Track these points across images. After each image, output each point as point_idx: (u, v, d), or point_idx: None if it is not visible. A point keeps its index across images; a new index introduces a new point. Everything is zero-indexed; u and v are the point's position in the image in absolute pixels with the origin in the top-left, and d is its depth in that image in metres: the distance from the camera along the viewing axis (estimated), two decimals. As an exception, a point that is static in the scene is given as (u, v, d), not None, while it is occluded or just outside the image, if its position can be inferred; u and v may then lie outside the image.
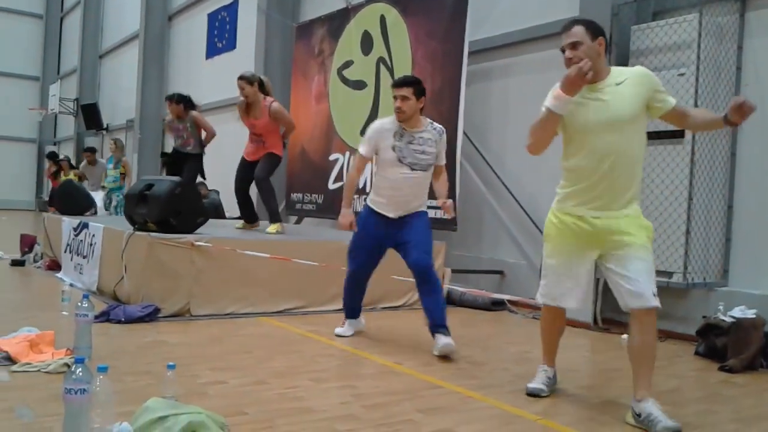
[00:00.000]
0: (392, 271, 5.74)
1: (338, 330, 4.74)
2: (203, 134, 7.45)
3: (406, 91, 4.21)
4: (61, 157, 15.25)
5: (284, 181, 9.66)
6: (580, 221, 3.17)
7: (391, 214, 4.39)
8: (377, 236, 4.45)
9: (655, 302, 3.00)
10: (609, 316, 5.59)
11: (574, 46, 3.07)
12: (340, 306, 5.75)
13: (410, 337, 4.83)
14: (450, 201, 4.32)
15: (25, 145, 26.12)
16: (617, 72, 3.13)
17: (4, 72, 25.58)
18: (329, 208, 8.61)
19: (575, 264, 3.21)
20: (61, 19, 26.73)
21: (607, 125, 3.04)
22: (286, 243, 5.72)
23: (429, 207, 6.81)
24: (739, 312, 4.58)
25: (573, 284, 3.23)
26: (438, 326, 4.22)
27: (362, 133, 8.06)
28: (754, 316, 4.52)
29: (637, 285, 2.99)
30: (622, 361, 4.41)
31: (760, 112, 5.06)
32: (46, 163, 15.14)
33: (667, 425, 2.87)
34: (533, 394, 3.38)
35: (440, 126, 4.44)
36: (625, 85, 3.04)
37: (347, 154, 8.38)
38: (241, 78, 6.23)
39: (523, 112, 6.93)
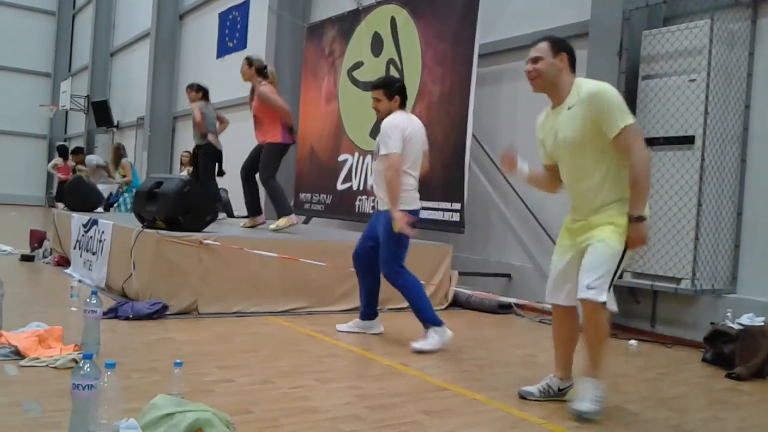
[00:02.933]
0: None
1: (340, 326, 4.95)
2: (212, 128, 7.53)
3: (377, 94, 4.56)
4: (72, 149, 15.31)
5: (293, 180, 9.69)
6: (571, 223, 3.32)
7: (378, 204, 4.75)
8: (369, 224, 4.82)
9: (584, 294, 3.02)
10: (616, 321, 5.58)
11: (535, 60, 3.25)
12: (347, 306, 5.80)
13: (416, 338, 4.83)
14: (397, 216, 4.37)
15: (35, 141, 26.23)
16: (575, 91, 3.16)
17: (16, 68, 25.71)
18: (337, 208, 8.62)
19: (565, 263, 3.30)
20: (73, 17, 26.85)
21: (563, 147, 3.21)
22: (293, 243, 5.74)
23: (437, 209, 6.85)
24: (747, 319, 4.56)
25: (561, 282, 3.31)
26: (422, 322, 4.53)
27: (371, 134, 8.17)
28: (762, 323, 4.50)
29: (580, 278, 3.07)
30: (627, 366, 4.41)
31: (770, 119, 5.07)
32: (58, 158, 15.12)
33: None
34: (521, 395, 3.40)
35: (390, 117, 4.52)
36: (573, 110, 3.14)
37: (356, 154, 8.39)
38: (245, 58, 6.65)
39: (532, 115, 6.91)
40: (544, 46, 3.25)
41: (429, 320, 4.42)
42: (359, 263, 4.80)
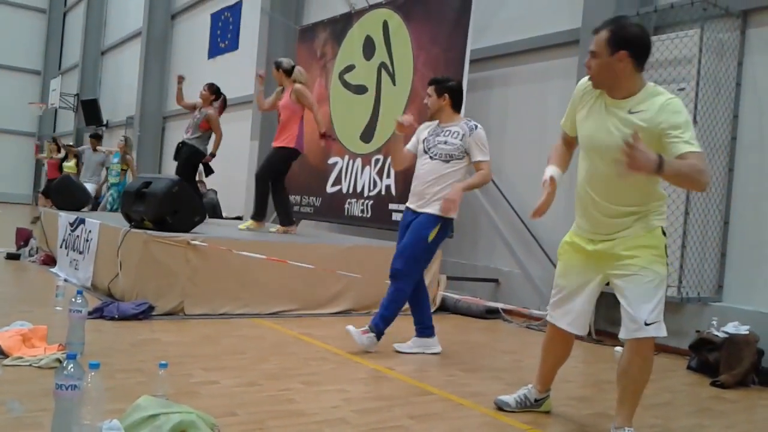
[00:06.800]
0: (387, 276, 5.75)
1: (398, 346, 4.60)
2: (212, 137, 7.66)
3: (429, 90, 4.50)
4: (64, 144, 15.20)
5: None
6: (585, 243, 2.99)
7: (411, 204, 4.49)
8: (402, 227, 4.52)
9: (645, 333, 2.78)
10: (603, 327, 5.60)
11: (592, 54, 2.79)
12: (334, 309, 5.79)
13: (402, 342, 4.82)
14: (450, 197, 4.24)
15: (24, 138, 26.07)
16: (645, 96, 2.75)
17: (6, 65, 25.57)
18: (326, 211, 8.61)
19: (579, 287, 3.04)
20: (64, 14, 26.73)
21: (604, 150, 2.80)
22: (282, 245, 5.72)
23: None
24: (733, 328, 4.59)
25: (572, 307, 3.07)
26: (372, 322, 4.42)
27: (362, 137, 8.17)
28: (747, 332, 4.53)
29: (628, 312, 2.81)
30: (614, 373, 4.40)
31: (758, 129, 5.11)
32: (47, 148, 15.05)
33: None
34: (497, 405, 3.30)
35: (475, 123, 4.43)
36: (637, 115, 2.73)
37: (346, 157, 8.38)
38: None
39: (521, 121, 6.97)
40: (601, 39, 2.77)
41: (380, 330, 4.40)
42: None
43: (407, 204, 4.53)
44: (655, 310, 2.79)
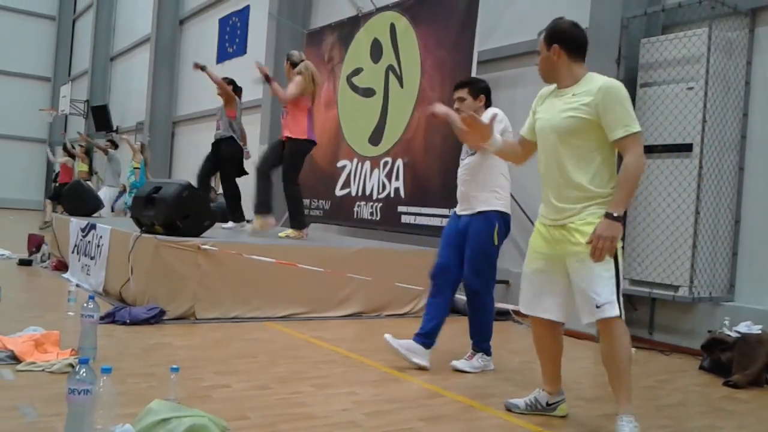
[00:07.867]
0: (397, 278, 5.76)
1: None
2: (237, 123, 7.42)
3: (461, 93, 4.24)
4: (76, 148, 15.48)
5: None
6: (544, 229, 3.16)
7: (457, 210, 4.24)
8: (449, 231, 4.25)
9: (599, 314, 2.89)
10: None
11: (538, 53, 3.21)
12: (344, 312, 5.79)
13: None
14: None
15: (34, 145, 26.23)
16: (587, 81, 3.06)
17: (16, 72, 25.74)
18: (336, 214, 8.63)
19: (543, 271, 3.14)
20: (74, 21, 26.89)
21: (550, 132, 3.11)
22: (292, 248, 5.73)
23: (435, 215, 6.84)
24: (745, 327, 4.56)
25: (541, 292, 3.15)
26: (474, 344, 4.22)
27: (370, 140, 8.19)
28: (759, 331, 4.50)
29: (582, 297, 2.95)
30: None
31: (768, 127, 5.08)
32: (62, 155, 15.37)
33: None
34: (507, 408, 3.31)
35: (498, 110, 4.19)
36: (578, 96, 3.02)
37: (355, 160, 8.40)
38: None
39: (531, 122, 6.95)
40: (540, 40, 3.18)
41: (484, 348, 4.19)
42: (447, 279, 4.21)
43: (455, 210, 4.29)
44: (605, 291, 2.89)
